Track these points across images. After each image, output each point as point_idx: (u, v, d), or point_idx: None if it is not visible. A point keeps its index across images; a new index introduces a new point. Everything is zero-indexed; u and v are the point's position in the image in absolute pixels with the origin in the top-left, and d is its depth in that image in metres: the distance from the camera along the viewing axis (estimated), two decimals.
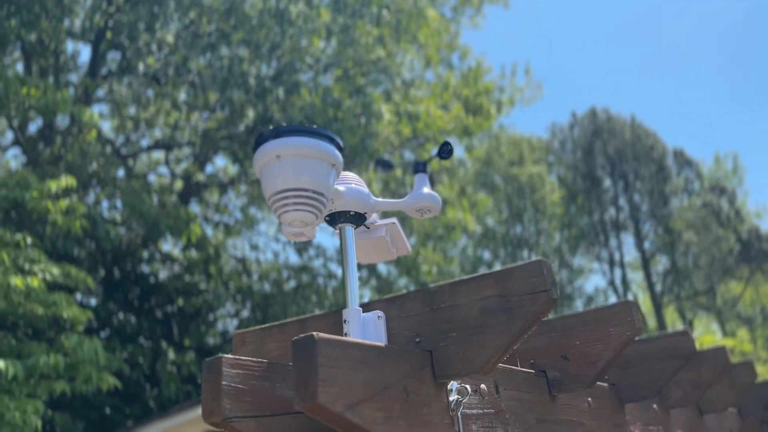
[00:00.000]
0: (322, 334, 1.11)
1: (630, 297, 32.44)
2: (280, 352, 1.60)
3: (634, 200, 31.60)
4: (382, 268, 12.82)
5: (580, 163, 31.78)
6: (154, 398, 9.85)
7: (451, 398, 1.38)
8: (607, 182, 31.74)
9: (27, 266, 5.94)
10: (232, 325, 12.93)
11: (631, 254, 31.79)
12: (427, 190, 1.59)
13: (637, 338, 2.08)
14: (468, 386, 1.41)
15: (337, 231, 1.55)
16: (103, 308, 10.91)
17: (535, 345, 1.82)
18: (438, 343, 1.36)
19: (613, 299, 32.57)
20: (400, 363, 1.28)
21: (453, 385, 1.39)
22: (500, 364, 1.58)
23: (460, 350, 1.33)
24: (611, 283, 31.71)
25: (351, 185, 1.53)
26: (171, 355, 10.03)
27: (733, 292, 31.17)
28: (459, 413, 1.36)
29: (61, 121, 12.00)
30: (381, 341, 1.42)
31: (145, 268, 11.76)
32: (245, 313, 12.72)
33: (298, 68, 10.64)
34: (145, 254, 12.02)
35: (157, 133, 14.42)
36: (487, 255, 30.91)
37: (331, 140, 1.35)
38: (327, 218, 1.53)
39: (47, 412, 6.60)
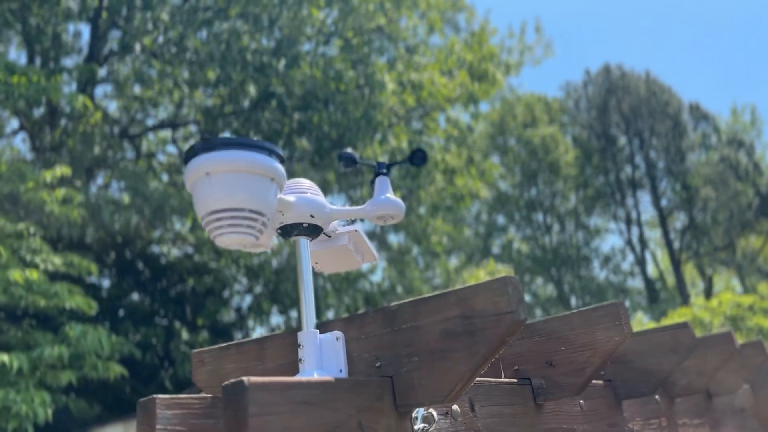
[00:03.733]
0: (254, 379, 1.00)
1: (647, 255, 32.20)
2: (239, 374, 1.49)
3: (650, 157, 31.24)
4: (393, 239, 12.72)
5: (594, 122, 31.37)
6: (169, 378, 9.94)
7: (416, 427, 1.27)
8: (622, 140, 31.35)
9: (29, 257, 5.92)
10: (245, 302, 12.97)
11: (648, 212, 31.56)
12: (389, 195, 1.46)
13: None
14: (434, 412, 1.30)
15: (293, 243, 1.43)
16: (116, 290, 10.96)
17: (518, 350, 1.70)
18: (399, 368, 1.24)
19: (630, 258, 32.37)
20: (354, 396, 1.16)
21: (419, 411, 1.28)
22: (478, 378, 1.47)
23: (422, 376, 1.21)
24: (629, 242, 31.54)
25: (304, 194, 1.40)
26: (184, 335, 10.07)
27: (753, 247, 30.83)
28: None
29: (66, 105, 11.90)
30: (339, 365, 1.31)
31: (155, 249, 11.78)
32: (258, 289, 12.74)
33: (297, 40, 10.41)
34: (156, 235, 12.02)
35: (162, 113, 14.31)
36: (501, 220, 30.72)
37: (270, 152, 1.21)
38: (279, 231, 1.41)
39: (60, 398, 6.64)
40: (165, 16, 9.79)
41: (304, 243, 1.40)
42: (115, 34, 12.39)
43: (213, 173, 1.15)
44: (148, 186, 8.47)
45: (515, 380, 1.63)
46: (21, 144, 13.99)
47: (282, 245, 13.70)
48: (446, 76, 11.08)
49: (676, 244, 30.69)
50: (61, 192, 6.29)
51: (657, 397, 2.34)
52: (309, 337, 1.32)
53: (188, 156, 1.19)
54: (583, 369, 1.58)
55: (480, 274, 10.15)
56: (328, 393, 1.12)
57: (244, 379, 0.99)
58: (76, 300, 5.85)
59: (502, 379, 1.60)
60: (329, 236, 1.51)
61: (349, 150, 1.60)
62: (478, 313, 1.17)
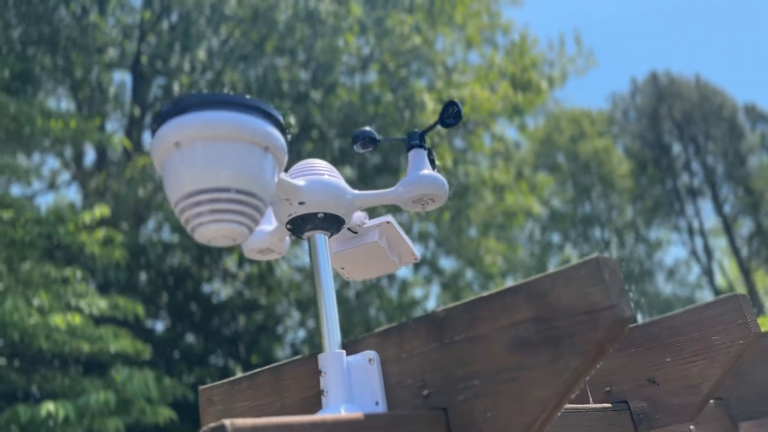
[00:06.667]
0: (239, 423, 0.68)
1: (714, 265, 30.79)
2: (254, 413, 1.18)
3: (707, 163, 30.19)
4: (445, 263, 12.30)
5: (646, 131, 30.58)
6: None
7: None
8: (676, 148, 30.42)
9: (74, 302, 5.81)
10: (299, 336, 12.73)
11: (710, 220, 30.38)
12: (426, 171, 1.14)
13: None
14: None
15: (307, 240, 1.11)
16: (170, 333, 10.88)
17: (608, 366, 1.33)
18: (454, 396, 0.90)
19: (696, 269, 31.01)
20: None
21: None
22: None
23: (487, 407, 0.87)
24: (693, 252, 30.29)
25: (320, 177, 1.09)
26: (239, 373, 9.86)
27: None
28: None
29: (113, 153, 12.08)
30: (375, 396, 0.98)
31: (206, 288, 11.71)
32: (311, 323, 12.50)
33: (334, 69, 10.31)
34: (206, 274, 11.96)
35: None
36: (556, 238, 29.89)
37: (263, 113, 0.91)
38: (289, 226, 1.10)
39: None
40: (201, 55, 9.83)
41: (321, 240, 1.09)
42: (159, 81, 12.58)
43: (184, 143, 0.86)
44: None
45: (609, 405, 1.26)
46: (75, 195, 14.28)
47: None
48: (488, 90, 10.76)
49: (744, 252, 29.39)
50: (101, 232, 6.21)
51: None
52: (332, 360, 1.00)
53: (155, 124, 0.89)
54: (698, 385, 1.21)
55: None
56: None
57: (226, 422, 0.68)
58: (121, 343, 5.68)
59: (592, 405, 1.24)
60: (355, 232, 1.20)
61: (367, 128, 1.28)
62: (561, 313, 0.82)
